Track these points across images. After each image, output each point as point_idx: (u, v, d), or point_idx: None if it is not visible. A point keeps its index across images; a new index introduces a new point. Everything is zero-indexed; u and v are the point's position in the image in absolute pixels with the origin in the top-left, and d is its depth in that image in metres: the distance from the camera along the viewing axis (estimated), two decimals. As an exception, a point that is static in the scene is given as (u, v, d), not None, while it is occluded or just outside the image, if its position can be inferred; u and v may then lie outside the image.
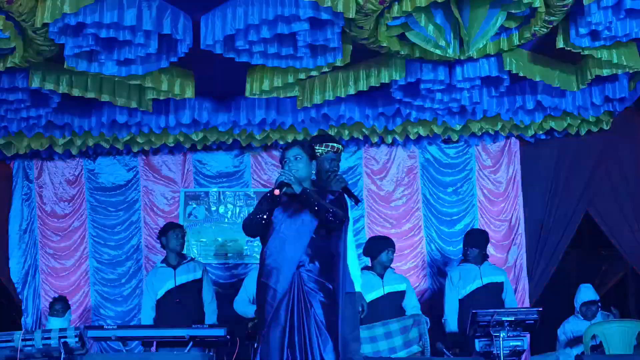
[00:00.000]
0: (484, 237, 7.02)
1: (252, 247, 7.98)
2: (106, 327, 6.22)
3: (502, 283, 6.82)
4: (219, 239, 8.08)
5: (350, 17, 4.98)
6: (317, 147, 4.75)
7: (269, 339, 4.36)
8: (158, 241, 6.97)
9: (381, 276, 6.67)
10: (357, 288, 4.79)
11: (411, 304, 6.72)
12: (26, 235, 8.08)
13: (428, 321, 6.31)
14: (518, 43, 5.68)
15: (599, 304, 6.96)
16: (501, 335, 5.71)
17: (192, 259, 6.92)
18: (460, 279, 6.78)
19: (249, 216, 4.59)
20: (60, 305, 7.05)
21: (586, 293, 6.92)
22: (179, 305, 6.55)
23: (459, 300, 6.76)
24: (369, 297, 6.50)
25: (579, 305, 6.91)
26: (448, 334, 6.75)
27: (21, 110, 6.43)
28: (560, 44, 5.63)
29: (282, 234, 4.45)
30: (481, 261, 6.83)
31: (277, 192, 4.40)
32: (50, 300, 7.37)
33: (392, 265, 6.84)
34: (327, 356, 4.27)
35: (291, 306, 4.35)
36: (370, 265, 6.79)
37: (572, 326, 6.91)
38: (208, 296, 6.73)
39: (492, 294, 6.70)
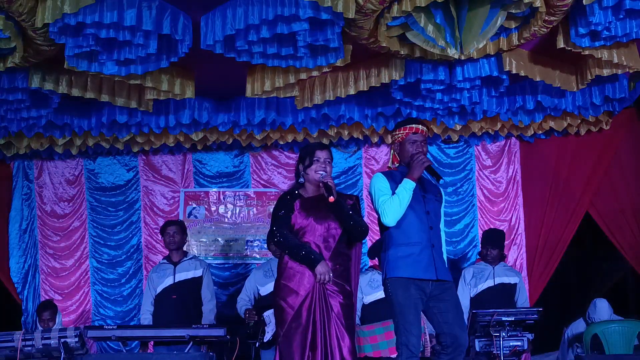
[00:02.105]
0: (503, 236, 7.01)
1: (252, 247, 7.99)
2: (106, 327, 6.23)
3: (515, 285, 6.80)
4: (219, 239, 8.08)
5: (350, 17, 4.98)
6: (399, 131, 4.59)
7: (291, 339, 4.45)
8: (158, 241, 6.96)
9: None
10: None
11: None
12: (26, 235, 8.09)
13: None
14: (518, 43, 5.68)
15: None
16: (501, 335, 5.71)
17: (194, 257, 6.90)
18: (473, 277, 6.78)
19: (283, 243, 4.59)
20: (48, 313, 6.87)
21: (601, 312, 6.51)
22: (177, 302, 6.54)
23: (471, 298, 6.76)
24: (374, 296, 6.51)
25: (591, 321, 6.56)
26: None
27: (21, 110, 6.43)
28: (560, 44, 5.62)
29: (307, 240, 4.57)
30: (498, 261, 6.82)
31: (332, 199, 4.50)
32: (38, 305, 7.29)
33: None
34: (347, 355, 4.41)
35: (313, 308, 4.47)
36: (378, 264, 6.78)
37: (578, 330, 6.79)
38: (207, 294, 6.69)
39: (502, 294, 6.66)
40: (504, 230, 7.92)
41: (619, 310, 6.79)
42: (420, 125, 4.55)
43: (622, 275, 9.26)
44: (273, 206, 4.75)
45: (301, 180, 4.74)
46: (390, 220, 4.39)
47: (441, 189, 4.74)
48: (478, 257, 7.12)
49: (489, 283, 6.73)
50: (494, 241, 6.86)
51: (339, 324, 4.46)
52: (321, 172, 4.58)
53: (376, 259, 6.77)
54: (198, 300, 6.66)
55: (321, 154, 4.62)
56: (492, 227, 7.89)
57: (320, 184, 4.57)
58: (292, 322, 4.46)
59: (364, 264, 7.02)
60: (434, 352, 6.18)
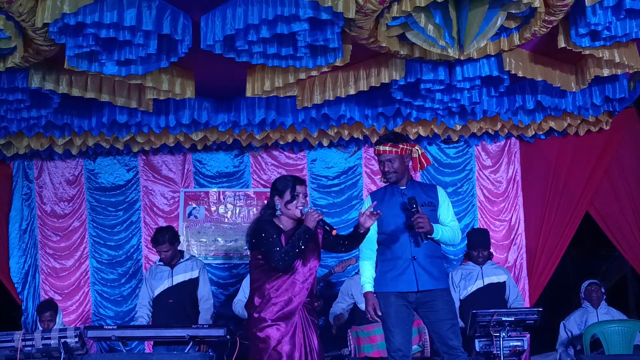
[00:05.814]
0: (488, 236, 7.00)
1: (252, 247, 7.98)
2: (106, 327, 6.23)
3: (503, 283, 6.80)
4: (219, 239, 8.08)
5: (350, 17, 4.98)
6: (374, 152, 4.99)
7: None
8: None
9: None
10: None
11: None
12: (26, 235, 8.09)
13: None
14: (518, 43, 5.68)
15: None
16: (501, 335, 5.71)
17: (190, 257, 6.87)
18: (462, 279, 6.76)
19: (289, 254, 4.54)
20: (49, 313, 6.82)
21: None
22: (173, 305, 6.52)
23: (460, 300, 6.75)
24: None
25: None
26: None
27: (21, 110, 6.42)
28: (560, 43, 5.62)
29: (294, 277, 4.61)
30: (485, 261, 6.81)
31: (335, 232, 4.61)
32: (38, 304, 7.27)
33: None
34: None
35: (297, 338, 4.56)
36: None
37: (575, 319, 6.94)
38: (204, 294, 6.66)
39: (493, 294, 6.68)
40: (505, 230, 7.95)
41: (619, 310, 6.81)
42: (380, 147, 4.79)
43: (622, 275, 9.26)
44: (252, 234, 4.68)
45: (278, 212, 4.71)
46: None
47: (438, 196, 4.85)
48: (463, 257, 7.10)
49: (479, 284, 6.73)
50: (483, 242, 6.84)
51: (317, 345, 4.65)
52: (308, 207, 4.63)
53: None
54: (195, 301, 6.65)
55: (301, 189, 4.67)
56: (492, 227, 7.89)
57: (320, 222, 4.57)
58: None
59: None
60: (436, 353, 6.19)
